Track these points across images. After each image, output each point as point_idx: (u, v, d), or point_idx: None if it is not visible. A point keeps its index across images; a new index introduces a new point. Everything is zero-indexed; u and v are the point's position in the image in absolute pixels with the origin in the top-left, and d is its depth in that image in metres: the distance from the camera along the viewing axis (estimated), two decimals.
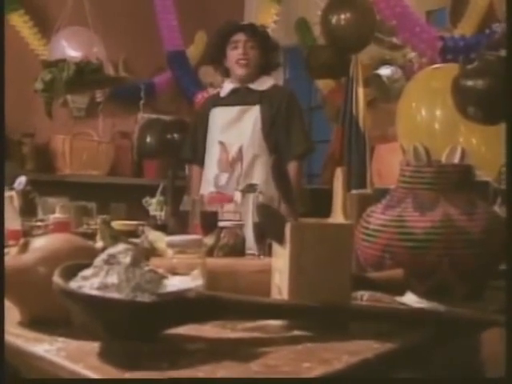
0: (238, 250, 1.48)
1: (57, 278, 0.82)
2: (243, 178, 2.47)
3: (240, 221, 1.69)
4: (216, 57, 2.72)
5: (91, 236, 1.49)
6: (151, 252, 1.21)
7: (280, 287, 0.99)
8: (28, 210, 1.97)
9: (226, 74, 2.72)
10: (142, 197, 3.71)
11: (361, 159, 2.97)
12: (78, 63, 2.49)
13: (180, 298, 0.82)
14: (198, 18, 3.98)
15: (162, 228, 2.04)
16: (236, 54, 2.60)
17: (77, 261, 0.90)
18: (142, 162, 3.75)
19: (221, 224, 1.49)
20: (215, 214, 1.59)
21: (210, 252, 1.36)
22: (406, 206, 1.19)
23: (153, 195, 3.47)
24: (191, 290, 0.84)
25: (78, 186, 3.35)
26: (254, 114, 2.56)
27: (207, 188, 2.52)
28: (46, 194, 3.09)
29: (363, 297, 1.15)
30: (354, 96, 2.87)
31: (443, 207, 1.16)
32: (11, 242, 1.38)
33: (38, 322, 0.92)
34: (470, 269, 1.14)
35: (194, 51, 4.12)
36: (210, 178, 2.58)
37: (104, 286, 0.81)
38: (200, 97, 3.56)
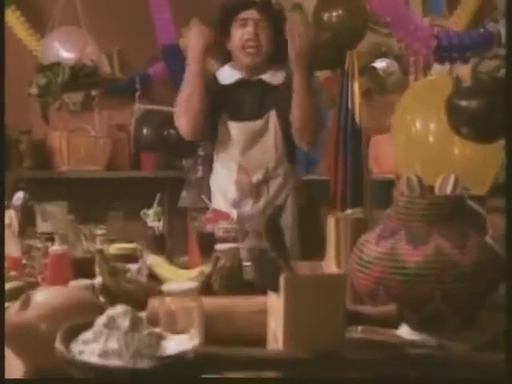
0: (234, 272, 1.51)
1: (59, 345, 0.85)
2: (270, 202, 2.14)
3: (236, 239, 1.72)
4: (218, 36, 2.21)
5: (90, 262, 1.50)
6: (149, 290, 1.23)
7: (276, 332, 1.02)
8: (27, 222, 1.98)
9: (226, 59, 2.27)
10: (140, 191, 3.73)
11: (357, 152, 2.97)
12: (73, 66, 2.48)
13: (179, 360, 0.85)
14: (192, 5, 3.94)
15: (160, 239, 2.07)
16: (244, 34, 2.14)
17: (78, 316, 0.93)
18: (139, 154, 3.75)
19: (218, 247, 1.52)
20: (212, 235, 1.62)
21: (208, 278, 1.39)
22: (399, 237, 1.21)
23: (150, 188, 3.47)
24: (189, 351, 0.86)
25: (76, 182, 3.37)
26: (272, 124, 2.17)
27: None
28: (44, 191, 3.11)
29: (358, 328, 1.18)
30: (349, 90, 2.86)
31: (435, 241, 1.18)
32: (12, 273, 1.40)
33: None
34: (461, 301, 1.17)
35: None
36: (227, 197, 2.19)
37: (105, 353, 0.84)
38: None
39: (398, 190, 1.28)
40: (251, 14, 2.16)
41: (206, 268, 1.38)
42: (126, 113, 3.81)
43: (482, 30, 2.24)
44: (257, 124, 2.17)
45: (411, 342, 1.12)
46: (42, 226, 2.33)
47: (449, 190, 1.29)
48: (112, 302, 1.28)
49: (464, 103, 1.52)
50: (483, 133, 1.54)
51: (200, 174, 3.23)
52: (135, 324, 0.87)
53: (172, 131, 3.59)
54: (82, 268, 1.46)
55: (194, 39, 2.18)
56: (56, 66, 2.50)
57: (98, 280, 1.26)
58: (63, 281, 1.33)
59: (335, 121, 3.05)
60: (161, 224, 2.02)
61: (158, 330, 0.90)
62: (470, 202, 1.25)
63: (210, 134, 2.27)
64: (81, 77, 2.51)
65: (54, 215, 2.35)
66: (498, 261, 1.21)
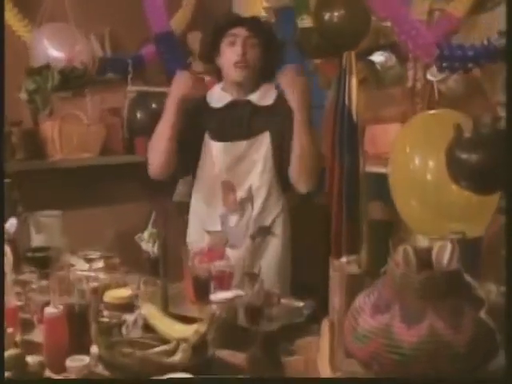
0: (230, 321, 1.52)
1: None
2: (254, 221, 2.17)
3: (232, 276, 1.73)
4: (208, 54, 2.25)
5: (85, 309, 1.50)
6: (145, 363, 1.24)
7: None
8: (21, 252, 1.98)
9: (218, 76, 2.28)
10: (136, 176, 3.69)
11: (354, 148, 2.94)
12: (63, 71, 2.42)
13: None
14: None
15: (155, 263, 2.06)
16: (233, 52, 2.14)
17: None
18: (133, 138, 3.69)
19: (213, 298, 1.52)
20: (208, 281, 1.62)
21: (203, 337, 1.40)
22: (394, 313, 1.22)
23: (145, 174, 3.42)
24: None
25: (70, 170, 3.33)
26: (263, 146, 2.16)
27: (213, 225, 2.21)
28: (38, 183, 3.08)
29: None
30: (346, 87, 2.81)
31: (430, 320, 1.18)
32: (10, 330, 1.39)
33: None
34: (455, 377, 1.18)
35: (181, 16, 3.97)
36: (214, 215, 2.23)
37: None
38: None
39: (393, 259, 1.27)
40: (239, 31, 2.16)
41: (202, 327, 1.39)
42: (119, 96, 3.71)
43: (486, 43, 2.17)
44: (242, 145, 2.17)
45: None
46: (36, 239, 2.33)
47: (446, 258, 1.28)
48: (109, 369, 1.29)
49: (464, 156, 1.49)
50: (483, 186, 1.52)
51: None
52: None
53: None
54: (79, 320, 1.46)
55: (174, 87, 2.20)
56: (45, 69, 2.43)
57: (95, 351, 1.26)
58: (59, 343, 1.33)
59: (331, 117, 3.01)
60: (155, 248, 2.02)
61: None
62: (466, 276, 1.24)
63: (194, 154, 2.27)
64: (71, 79, 2.45)
65: (48, 227, 2.35)
66: (492, 336, 1.22)
